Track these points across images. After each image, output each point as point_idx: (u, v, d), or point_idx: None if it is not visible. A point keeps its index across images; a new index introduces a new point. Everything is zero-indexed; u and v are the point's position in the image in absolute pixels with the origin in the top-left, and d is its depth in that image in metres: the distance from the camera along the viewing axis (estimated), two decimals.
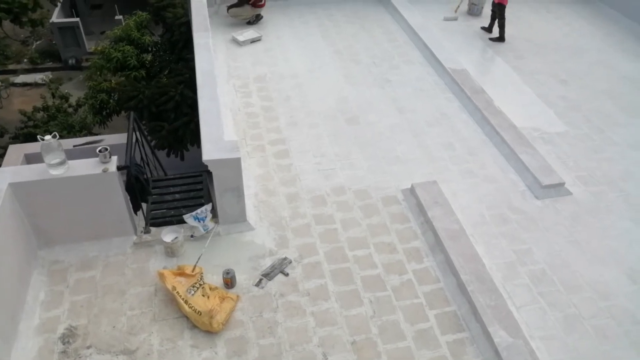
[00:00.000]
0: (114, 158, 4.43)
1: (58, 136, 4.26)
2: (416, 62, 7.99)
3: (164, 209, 5.16)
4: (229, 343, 4.06)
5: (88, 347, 3.99)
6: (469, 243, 4.82)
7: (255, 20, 8.87)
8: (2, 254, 3.98)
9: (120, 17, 16.99)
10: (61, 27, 18.85)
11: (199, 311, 4.04)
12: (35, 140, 5.94)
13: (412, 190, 5.46)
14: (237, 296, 4.35)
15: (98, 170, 4.34)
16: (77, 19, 19.23)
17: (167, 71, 9.71)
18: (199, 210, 4.78)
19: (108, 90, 10.27)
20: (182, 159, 8.46)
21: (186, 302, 4.10)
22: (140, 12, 11.01)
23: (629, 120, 6.92)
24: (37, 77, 17.91)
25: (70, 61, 19.15)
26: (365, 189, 5.58)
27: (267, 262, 4.70)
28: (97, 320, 4.18)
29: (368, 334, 4.19)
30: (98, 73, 10.42)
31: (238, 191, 4.79)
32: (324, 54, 8.12)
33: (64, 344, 4.00)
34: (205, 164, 4.61)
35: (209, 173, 4.76)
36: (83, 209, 4.51)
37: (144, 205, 4.98)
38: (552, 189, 5.60)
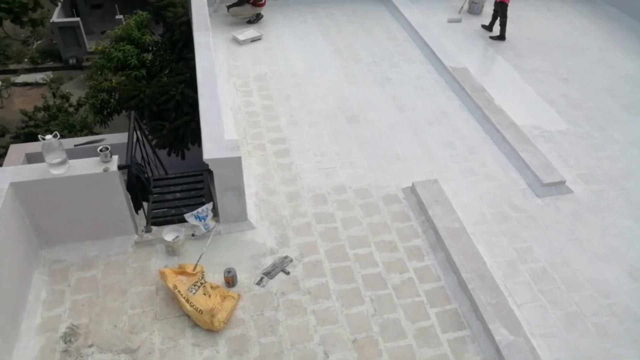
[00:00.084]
0: (115, 157, 4.43)
1: (59, 136, 4.26)
2: (416, 61, 7.98)
3: (165, 208, 5.16)
4: (230, 341, 4.07)
5: (90, 346, 4.00)
6: (469, 241, 4.82)
7: (255, 19, 8.87)
8: (4, 253, 3.99)
9: (121, 16, 16.96)
10: (62, 27, 18.87)
11: (200, 310, 4.04)
12: (36, 139, 5.94)
13: (412, 189, 5.47)
14: (238, 295, 4.35)
15: (99, 169, 4.34)
16: (78, 19, 19.25)
17: (167, 70, 9.69)
18: (200, 209, 4.79)
19: (109, 90, 10.27)
20: (183, 158, 8.46)
21: (187, 300, 4.10)
22: (141, 12, 11.00)
23: (630, 118, 6.91)
24: (38, 77, 17.90)
25: (70, 61, 19.17)
26: (365, 188, 5.58)
27: (268, 261, 4.70)
28: (99, 319, 4.18)
29: (369, 332, 4.19)
30: (99, 72, 10.42)
31: (239, 190, 4.80)
32: (324, 53, 8.11)
33: (65, 343, 4.01)
34: (206, 163, 4.61)
35: (210, 172, 4.76)
36: (84, 209, 4.51)
37: (145, 204, 4.99)
38: (552, 187, 5.60)
